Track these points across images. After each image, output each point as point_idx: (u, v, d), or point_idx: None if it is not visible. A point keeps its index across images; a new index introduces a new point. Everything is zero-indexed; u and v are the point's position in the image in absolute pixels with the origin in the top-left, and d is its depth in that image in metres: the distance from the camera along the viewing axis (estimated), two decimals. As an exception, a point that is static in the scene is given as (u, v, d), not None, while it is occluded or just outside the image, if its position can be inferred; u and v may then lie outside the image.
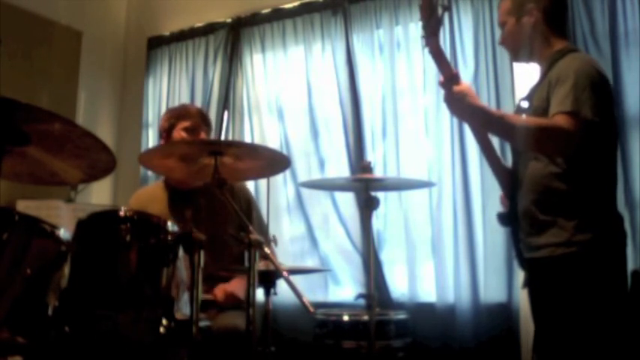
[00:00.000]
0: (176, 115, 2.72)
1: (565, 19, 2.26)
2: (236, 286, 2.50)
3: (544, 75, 2.05)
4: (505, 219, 2.17)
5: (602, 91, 1.92)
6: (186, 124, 2.65)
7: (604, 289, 1.88)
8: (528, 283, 2.10)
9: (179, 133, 2.65)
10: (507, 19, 2.14)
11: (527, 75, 2.52)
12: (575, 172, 1.93)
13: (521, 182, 2.06)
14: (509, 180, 2.15)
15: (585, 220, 1.90)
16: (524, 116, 2.06)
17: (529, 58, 2.16)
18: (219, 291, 2.47)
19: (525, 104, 2.12)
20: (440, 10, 2.00)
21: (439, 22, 2.02)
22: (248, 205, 2.69)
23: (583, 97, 1.86)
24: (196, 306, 1.69)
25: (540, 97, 1.99)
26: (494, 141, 2.26)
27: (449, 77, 2.01)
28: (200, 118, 2.71)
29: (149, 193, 2.82)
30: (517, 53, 2.18)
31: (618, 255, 1.95)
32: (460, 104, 1.98)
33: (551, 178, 1.95)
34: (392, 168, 3.35)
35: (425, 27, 2.03)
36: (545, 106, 1.94)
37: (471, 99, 1.97)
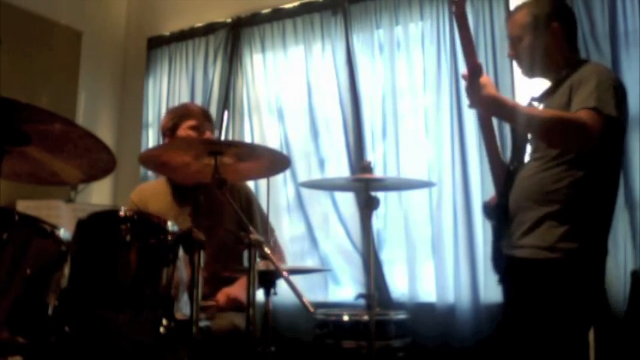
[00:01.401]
0: (179, 114, 2.70)
1: (577, 33, 2.22)
2: (238, 289, 2.48)
3: (561, 81, 2.02)
4: (490, 212, 2.16)
5: (622, 96, 1.92)
6: (191, 122, 2.63)
7: (580, 299, 1.88)
8: (505, 281, 2.10)
9: (185, 132, 2.63)
10: (524, 35, 2.09)
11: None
12: (577, 178, 1.91)
13: (518, 180, 2.05)
14: (504, 175, 2.14)
15: (576, 228, 1.89)
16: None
17: (544, 74, 2.12)
18: (222, 295, 2.46)
19: (537, 105, 2.10)
20: None
21: None
22: (247, 201, 2.68)
23: (606, 96, 1.85)
24: (196, 306, 1.68)
25: (560, 103, 1.95)
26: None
27: (472, 70, 1.96)
28: (204, 117, 2.71)
29: (151, 189, 2.81)
30: (533, 69, 2.12)
31: (598, 267, 1.94)
32: (479, 94, 1.94)
33: (552, 181, 1.94)
34: (392, 168, 3.35)
35: None
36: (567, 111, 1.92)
37: (490, 89, 1.95)
